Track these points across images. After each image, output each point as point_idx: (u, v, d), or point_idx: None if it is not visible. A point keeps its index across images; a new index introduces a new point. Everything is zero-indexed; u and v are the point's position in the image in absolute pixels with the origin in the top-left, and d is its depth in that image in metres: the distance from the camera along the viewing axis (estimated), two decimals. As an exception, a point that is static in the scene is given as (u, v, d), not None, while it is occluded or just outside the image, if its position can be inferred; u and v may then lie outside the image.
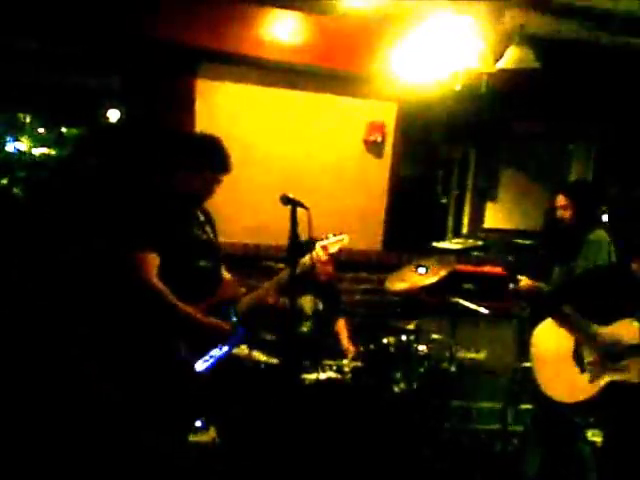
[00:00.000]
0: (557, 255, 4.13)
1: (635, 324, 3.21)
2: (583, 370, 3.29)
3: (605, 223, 4.13)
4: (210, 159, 3.00)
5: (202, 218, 3.12)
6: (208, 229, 3.12)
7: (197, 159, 3.01)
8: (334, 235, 3.53)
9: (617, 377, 3.20)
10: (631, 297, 3.27)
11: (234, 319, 3.07)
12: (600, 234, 3.85)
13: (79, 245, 4.45)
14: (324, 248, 3.51)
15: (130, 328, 3.02)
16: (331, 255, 4.01)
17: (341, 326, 4.49)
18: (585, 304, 3.35)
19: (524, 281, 3.84)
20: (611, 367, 3.22)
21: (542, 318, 3.52)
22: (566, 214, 3.90)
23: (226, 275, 3.24)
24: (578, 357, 3.32)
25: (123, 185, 4.52)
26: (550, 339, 3.45)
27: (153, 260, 2.83)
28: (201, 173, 2.99)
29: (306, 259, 3.43)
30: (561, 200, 3.94)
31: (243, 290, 3.29)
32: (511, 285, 3.90)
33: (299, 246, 3.10)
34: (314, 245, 3.46)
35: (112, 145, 4.99)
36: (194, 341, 2.89)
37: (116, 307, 3.56)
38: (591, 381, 3.24)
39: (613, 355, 3.22)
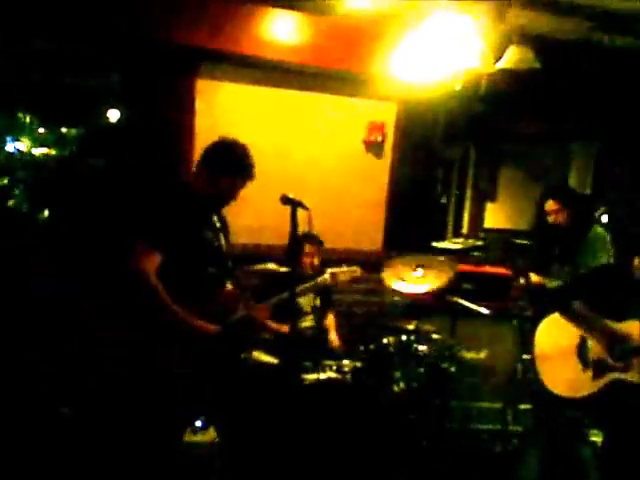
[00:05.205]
0: (556, 255, 4.17)
1: (638, 324, 3.21)
2: (586, 367, 3.30)
3: (604, 223, 4.25)
4: (238, 164, 3.02)
5: (218, 225, 3.12)
6: (221, 237, 3.12)
7: (225, 162, 3.02)
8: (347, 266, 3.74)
9: (620, 376, 3.20)
10: (633, 297, 3.27)
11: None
12: (599, 230, 4.04)
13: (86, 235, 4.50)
14: (332, 275, 3.64)
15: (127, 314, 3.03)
16: (317, 248, 4.17)
17: (330, 320, 4.51)
18: (590, 304, 3.35)
19: (534, 277, 3.93)
20: (614, 365, 3.22)
21: (545, 315, 3.53)
22: (560, 218, 4.03)
23: (228, 285, 3.22)
24: (581, 353, 3.33)
25: (136, 183, 4.53)
26: (553, 335, 3.45)
27: (152, 254, 2.82)
28: (227, 177, 3.00)
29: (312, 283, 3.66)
30: (551, 205, 4.05)
31: (242, 304, 3.29)
32: (522, 280, 3.97)
33: (298, 244, 3.12)
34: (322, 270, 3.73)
35: (121, 144, 4.99)
36: (180, 338, 2.88)
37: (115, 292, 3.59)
38: (594, 378, 3.25)
39: (618, 353, 3.22)
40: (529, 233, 5.86)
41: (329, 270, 3.78)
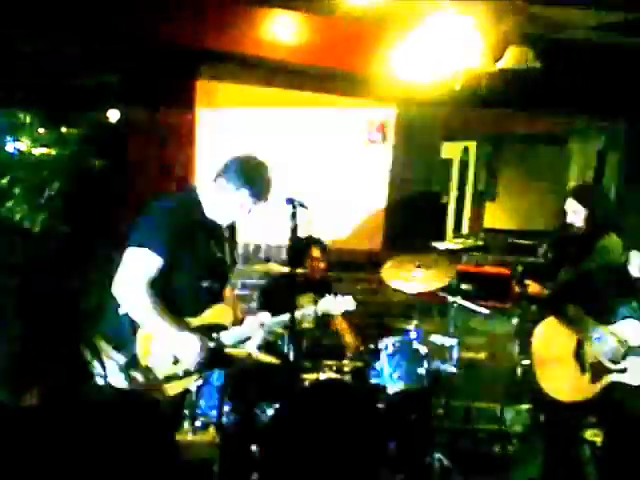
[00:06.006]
0: (566, 258, 4.08)
1: (636, 325, 3.21)
2: (584, 370, 3.29)
3: (620, 227, 4.02)
4: (254, 180, 2.86)
5: (226, 234, 3.02)
6: (227, 247, 3.03)
7: (243, 177, 2.85)
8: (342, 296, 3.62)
9: (618, 378, 3.20)
10: (631, 297, 3.27)
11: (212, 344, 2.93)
12: (612, 240, 3.71)
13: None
14: (326, 303, 3.63)
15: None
16: (323, 252, 4.15)
17: (340, 324, 4.49)
18: (588, 304, 3.35)
19: (532, 286, 3.84)
20: (612, 368, 3.22)
21: (544, 317, 3.53)
22: (576, 218, 3.82)
23: (227, 294, 3.15)
24: (579, 357, 3.32)
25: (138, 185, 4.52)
26: (551, 338, 3.45)
27: (148, 259, 2.76)
28: (241, 192, 2.84)
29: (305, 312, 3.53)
30: (571, 205, 3.87)
31: (239, 318, 3.21)
32: (517, 289, 3.91)
33: (299, 245, 3.10)
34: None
35: (121, 144, 4.98)
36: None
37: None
38: (592, 381, 3.25)
39: (614, 355, 3.22)
40: (537, 233, 5.84)
41: (323, 300, 3.72)
